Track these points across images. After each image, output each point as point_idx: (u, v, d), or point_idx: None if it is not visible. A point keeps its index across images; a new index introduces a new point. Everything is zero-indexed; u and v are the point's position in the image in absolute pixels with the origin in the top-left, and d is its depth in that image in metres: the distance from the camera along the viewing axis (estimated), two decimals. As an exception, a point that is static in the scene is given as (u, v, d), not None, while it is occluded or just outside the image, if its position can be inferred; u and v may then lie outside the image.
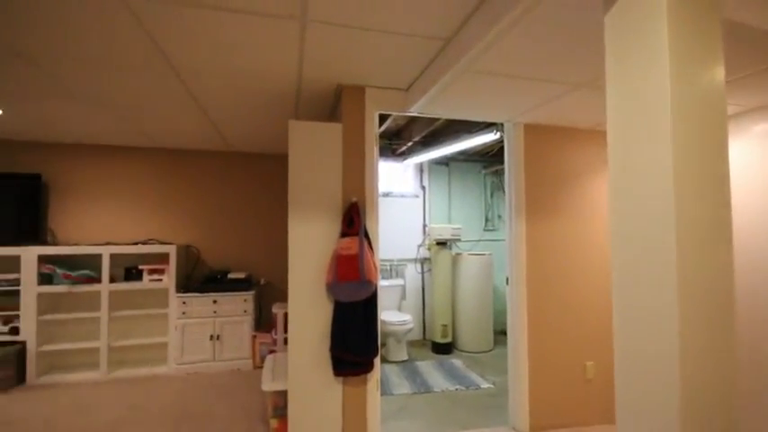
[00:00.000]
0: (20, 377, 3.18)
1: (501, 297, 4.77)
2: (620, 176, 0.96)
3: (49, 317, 3.28)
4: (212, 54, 1.82)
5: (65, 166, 3.60)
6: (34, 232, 3.39)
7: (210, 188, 3.96)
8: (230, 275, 3.65)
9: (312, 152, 2.15)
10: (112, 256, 3.40)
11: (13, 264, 3.22)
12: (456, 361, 3.82)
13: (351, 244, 2.07)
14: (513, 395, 2.51)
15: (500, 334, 4.65)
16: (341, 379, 2.16)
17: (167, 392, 3.06)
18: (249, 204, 4.04)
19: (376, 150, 2.27)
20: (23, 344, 3.19)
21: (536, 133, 2.54)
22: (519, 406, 2.46)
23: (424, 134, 3.62)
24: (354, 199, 2.18)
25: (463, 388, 3.16)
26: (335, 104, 2.54)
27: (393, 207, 4.46)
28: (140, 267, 3.46)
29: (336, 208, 2.18)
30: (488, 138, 3.25)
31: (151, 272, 3.46)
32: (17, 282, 3.19)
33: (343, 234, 2.12)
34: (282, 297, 4.02)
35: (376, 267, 2.11)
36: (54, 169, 3.58)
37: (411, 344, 4.34)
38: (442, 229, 4.13)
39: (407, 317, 3.82)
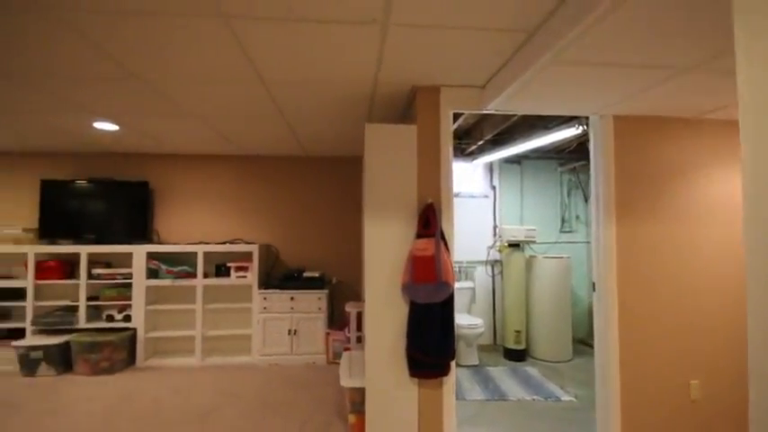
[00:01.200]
0: (131, 359, 3.65)
1: (580, 303, 4.44)
2: (759, 171, 0.83)
3: (154, 307, 3.72)
4: (297, 64, 1.93)
5: (166, 174, 4.08)
6: (143, 232, 3.88)
7: (287, 191, 4.20)
8: (305, 274, 3.83)
9: (387, 154, 2.18)
10: (205, 254, 3.77)
11: (127, 260, 3.72)
12: (531, 369, 3.62)
13: (427, 245, 2.06)
14: (601, 413, 2.30)
15: (579, 343, 4.33)
16: (416, 380, 2.16)
17: (252, 381, 3.31)
18: (322, 206, 4.22)
19: (450, 150, 2.24)
20: (134, 330, 3.66)
21: (628, 125, 2.32)
22: (609, 426, 2.25)
23: (495, 132, 3.49)
24: (430, 200, 2.16)
25: (541, 399, 2.98)
26: (408, 106, 2.55)
27: (462, 208, 4.37)
28: (228, 264, 3.78)
29: (411, 209, 2.18)
30: (568, 133, 3.04)
31: (237, 269, 3.76)
32: (130, 275, 3.67)
33: (419, 235, 2.12)
34: (354, 296, 4.14)
35: (453, 269, 2.07)
36: (158, 177, 4.07)
37: (481, 348, 4.21)
38: (516, 231, 3.95)
39: (478, 321, 3.71)
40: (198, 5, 1.42)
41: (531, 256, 4.05)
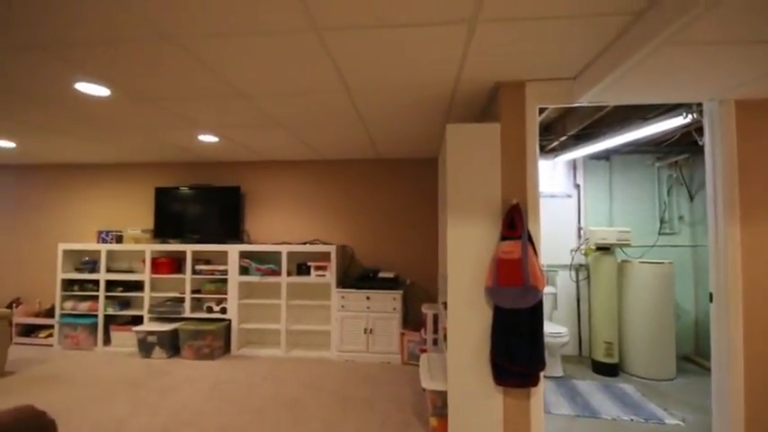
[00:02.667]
0: (227, 348, 4.03)
1: (685, 315, 3.93)
2: None
3: (245, 301, 4.07)
4: (380, 70, 1.97)
5: (254, 179, 4.45)
6: (236, 233, 4.27)
7: (362, 193, 4.33)
8: (381, 274, 3.91)
9: (469, 154, 2.14)
10: (288, 254, 4.03)
11: (223, 257, 4.12)
12: (626, 386, 3.28)
13: (513, 248, 1.97)
14: (722, 441, 2.01)
15: (684, 360, 3.83)
16: (501, 388, 2.08)
17: (332, 375, 3.45)
18: (396, 208, 4.28)
19: (536, 148, 2.12)
20: (229, 321, 4.04)
21: (754, 111, 1.99)
22: (733, 456, 1.95)
23: (582, 127, 3.24)
24: (515, 200, 2.07)
25: (641, 420, 2.68)
26: (489, 104, 2.47)
27: (542, 208, 4.12)
28: (308, 264, 4.00)
29: (495, 210, 2.11)
30: (672, 123, 2.71)
31: (317, 268, 3.96)
32: (226, 272, 4.06)
33: (504, 237, 2.04)
34: (428, 297, 4.13)
35: (542, 273, 1.96)
36: (247, 182, 4.45)
37: (564, 359, 3.92)
38: (606, 233, 3.62)
39: (563, 329, 3.46)
40: (295, 22, 1.52)
41: (625, 261, 3.68)
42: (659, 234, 4.01)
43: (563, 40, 1.65)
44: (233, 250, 4.04)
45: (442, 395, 2.26)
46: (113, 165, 4.64)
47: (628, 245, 3.61)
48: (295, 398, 2.98)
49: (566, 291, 4.09)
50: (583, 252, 4.02)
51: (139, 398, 2.96)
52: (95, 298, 4.21)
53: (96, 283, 4.22)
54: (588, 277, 4.00)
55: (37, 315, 4.39)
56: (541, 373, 2.02)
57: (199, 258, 4.25)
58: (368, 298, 3.82)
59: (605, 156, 4.11)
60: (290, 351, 3.99)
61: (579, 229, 4.11)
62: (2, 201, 4.78)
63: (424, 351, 3.09)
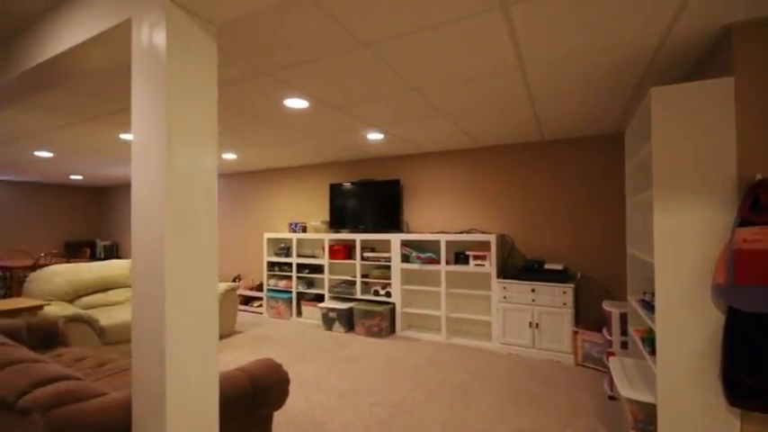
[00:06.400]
0: (392, 328, 4.37)
1: None
2: None
3: (407, 287, 4.33)
4: (568, 35, 1.78)
5: (411, 171, 4.67)
6: (396, 222, 4.58)
7: (520, 180, 4.07)
8: (547, 266, 3.61)
9: (686, 120, 1.75)
10: (447, 243, 4.10)
11: (386, 245, 4.46)
12: None
13: (760, 235, 1.53)
14: None
15: None
16: (739, 411, 1.66)
17: (495, 366, 3.38)
18: (562, 193, 3.88)
19: (796, 103, 1.59)
20: (393, 305, 4.36)
21: None
22: None
23: None
24: (760, 175, 1.60)
25: None
26: (702, 61, 1.98)
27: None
28: (467, 253, 3.99)
29: (727, 188, 1.68)
30: None
31: (475, 257, 3.92)
32: (389, 259, 4.40)
33: (744, 222, 1.59)
34: (606, 294, 3.63)
35: (814, 270, 1.47)
36: (405, 174, 4.71)
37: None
38: None
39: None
40: (485, 2, 1.49)
41: None
42: None
43: None
44: (395, 239, 4.33)
45: (647, 408, 1.94)
46: (299, 166, 5.54)
47: None
48: (463, 383, 3.03)
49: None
50: None
51: (329, 362, 3.48)
52: (289, 277, 5.13)
53: (290, 265, 5.14)
54: None
55: (251, 289, 5.62)
56: (808, 402, 1.53)
57: (366, 246, 4.72)
58: (533, 290, 3.58)
59: None
60: (450, 338, 4.08)
61: None
62: (228, 201, 6.27)
63: (611, 354, 2.71)
